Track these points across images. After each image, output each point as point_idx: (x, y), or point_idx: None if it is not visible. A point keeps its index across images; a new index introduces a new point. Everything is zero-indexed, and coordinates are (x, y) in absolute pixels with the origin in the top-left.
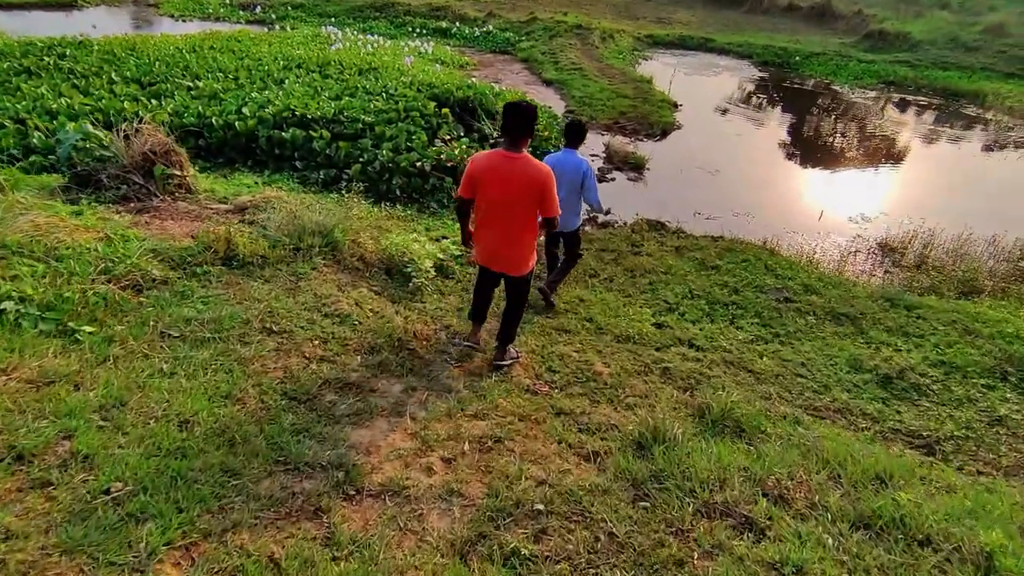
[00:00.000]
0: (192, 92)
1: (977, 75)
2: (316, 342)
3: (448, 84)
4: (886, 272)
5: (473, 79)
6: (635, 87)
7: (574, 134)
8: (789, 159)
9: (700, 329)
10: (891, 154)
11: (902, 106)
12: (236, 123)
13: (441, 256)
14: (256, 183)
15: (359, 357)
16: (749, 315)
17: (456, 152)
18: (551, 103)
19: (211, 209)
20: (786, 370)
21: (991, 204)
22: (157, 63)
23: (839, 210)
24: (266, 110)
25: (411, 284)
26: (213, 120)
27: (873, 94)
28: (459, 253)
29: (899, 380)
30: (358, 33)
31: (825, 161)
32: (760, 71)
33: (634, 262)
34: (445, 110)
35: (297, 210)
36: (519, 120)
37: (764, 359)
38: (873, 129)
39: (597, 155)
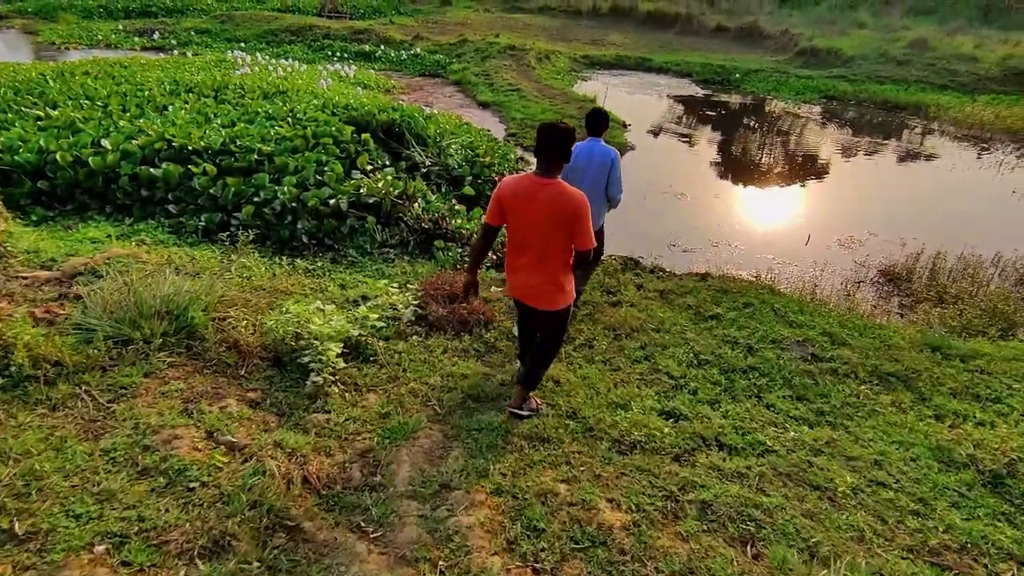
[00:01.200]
0: (40, 122)
1: (913, 88)
2: (101, 550)
3: (369, 107)
4: (902, 307)
5: (401, 102)
6: (579, 107)
7: (600, 120)
8: (754, 179)
9: (724, 415)
10: (858, 171)
11: (855, 123)
12: (91, 159)
13: (358, 332)
14: (109, 236)
15: (183, 572)
16: (777, 386)
17: (379, 185)
18: (489, 126)
19: (23, 280)
20: (861, 479)
21: (976, 219)
22: (3, 89)
23: (825, 233)
24: (133, 142)
25: (308, 383)
26: (59, 156)
27: (818, 109)
28: (382, 324)
29: (1012, 479)
30: (270, 58)
31: (792, 179)
32: (703, 88)
33: (615, 317)
34: (366, 135)
35: (136, 280)
36: (553, 142)
37: (825, 461)
38: (833, 145)
39: None
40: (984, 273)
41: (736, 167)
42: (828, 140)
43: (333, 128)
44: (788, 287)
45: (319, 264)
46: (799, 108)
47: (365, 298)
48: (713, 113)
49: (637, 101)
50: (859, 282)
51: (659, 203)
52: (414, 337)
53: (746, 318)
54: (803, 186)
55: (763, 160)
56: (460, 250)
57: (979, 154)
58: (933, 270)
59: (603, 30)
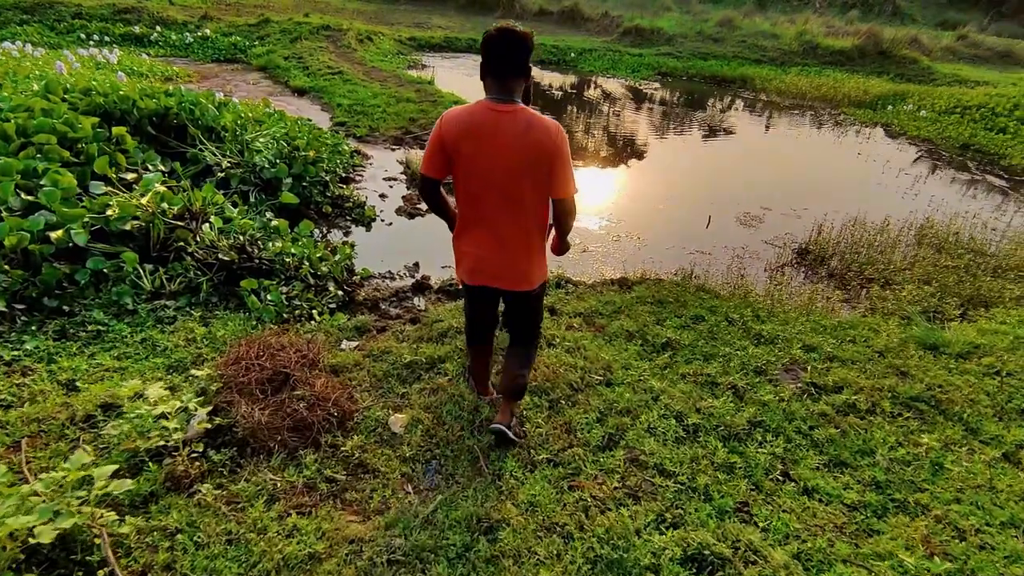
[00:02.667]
0: None
1: (733, 63)
2: None
3: (127, 91)
4: (832, 286)
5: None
6: (416, 89)
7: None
8: (619, 161)
9: (769, 533)
10: (715, 144)
11: (695, 97)
12: None
13: (70, 520)
14: None
15: None
16: (801, 450)
17: (144, 201)
18: (310, 115)
19: None
20: None
21: (845, 183)
22: None
23: (721, 213)
24: None
25: None
26: None
27: (656, 85)
28: (125, 490)
29: None
30: None
31: (659, 158)
32: (540, 68)
33: (540, 370)
34: (120, 130)
35: None
36: (508, 51)
37: None
38: (684, 120)
39: (395, 177)
40: (888, 239)
41: (595, 149)
42: (676, 115)
43: (59, 120)
44: (716, 282)
45: (30, 346)
46: (639, 84)
47: (111, 410)
48: (558, 93)
49: (476, 85)
50: (781, 266)
51: None
52: (205, 485)
53: (706, 339)
54: (671, 168)
55: (622, 139)
56: (284, 288)
57: (811, 120)
58: (842, 243)
59: (424, 15)
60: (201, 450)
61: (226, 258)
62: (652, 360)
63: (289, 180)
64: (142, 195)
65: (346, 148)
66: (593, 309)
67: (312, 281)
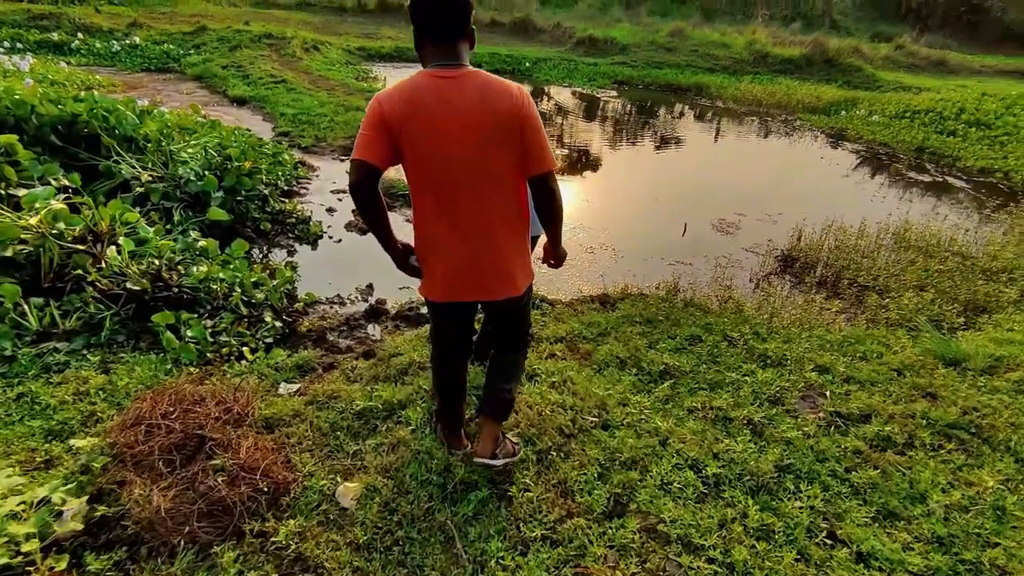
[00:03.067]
0: None
1: (687, 71)
2: None
3: (23, 96)
4: (828, 297)
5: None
6: (367, 97)
7: None
8: (589, 168)
9: None
10: (681, 150)
11: (654, 104)
12: None
13: None
14: None
15: None
16: (842, 499)
17: (32, 221)
18: (251, 125)
19: None
20: None
21: (816, 187)
22: None
23: (696, 220)
24: None
25: None
26: None
27: (614, 93)
28: None
29: None
30: None
31: (625, 165)
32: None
33: (523, 412)
34: (10, 138)
35: None
36: (446, 8)
37: None
38: (645, 127)
39: (344, 190)
40: (870, 243)
41: (572, 157)
42: (637, 123)
43: None
44: (704, 295)
45: None
46: (597, 93)
47: None
48: None
49: None
50: (767, 275)
51: None
52: None
53: (707, 364)
54: (640, 175)
55: (590, 148)
56: (210, 322)
57: (769, 126)
58: (825, 248)
59: (373, 25)
60: (69, 562)
61: (136, 288)
62: (651, 392)
63: (219, 194)
64: (28, 216)
65: (288, 159)
66: (576, 332)
67: (245, 311)
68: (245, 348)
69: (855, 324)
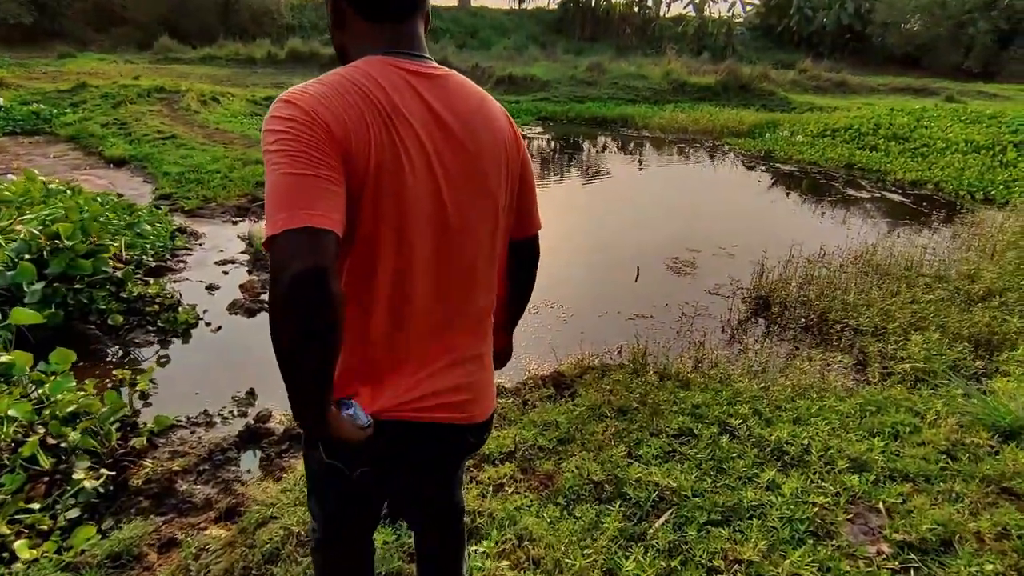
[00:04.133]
0: None
1: (610, 104)
2: None
3: None
4: (825, 351)
5: None
6: None
7: None
8: None
9: None
10: (607, 184)
11: (575, 139)
12: None
13: None
14: None
15: None
16: None
17: None
18: (126, 189)
19: None
20: None
21: (761, 215)
22: None
23: (647, 261)
24: None
25: None
26: None
27: (539, 129)
28: None
29: None
30: None
31: (558, 206)
32: None
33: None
34: None
35: None
36: None
37: None
38: (567, 162)
39: (233, 259)
40: (839, 274)
41: None
42: (563, 159)
43: None
44: (677, 358)
45: None
46: (521, 130)
47: None
48: None
49: None
50: (741, 323)
51: None
52: None
53: (712, 477)
54: (569, 209)
55: None
56: None
57: (698, 152)
58: (793, 284)
59: (284, 75)
60: None
61: None
62: (649, 545)
63: (38, 287)
64: None
65: (163, 227)
66: (529, 441)
67: (46, 465)
68: (21, 540)
69: (864, 382)
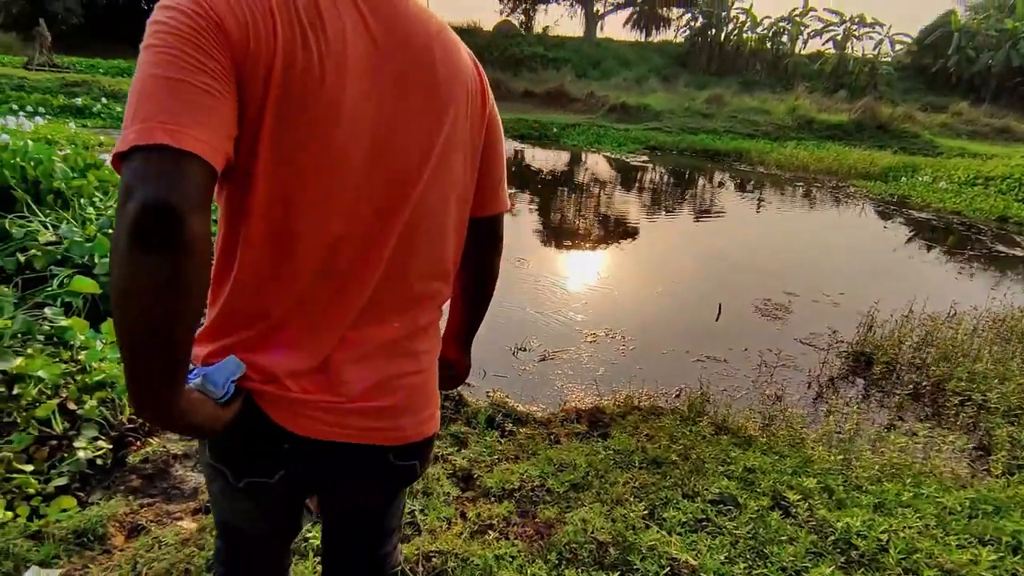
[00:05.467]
0: None
1: (725, 137)
2: None
3: None
4: (932, 425)
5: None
6: None
7: None
8: (605, 239)
9: None
10: (715, 219)
11: (685, 170)
12: None
13: None
14: None
15: None
16: None
17: None
18: None
19: None
20: None
21: (882, 264)
22: None
23: (734, 300)
24: None
25: None
26: None
27: (645, 158)
28: None
29: None
30: None
31: (651, 236)
32: (520, 143)
33: None
34: None
35: None
36: None
37: None
38: (677, 194)
39: None
40: (970, 340)
41: (581, 225)
42: (669, 191)
43: None
44: (742, 411)
45: None
46: (627, 158)
47: None
48: (538, 166)
49: None
50: (831, 379)
51: None
52: None
53: (747, 562)
54: (663, 241)
55: (608, 215)
56: None
57: (819, 193)
58: (907, 343)
59: None
60: None
61: None
62: None
63: (107, 261)
64: None
65: None
66: (536, 479)
67: (58, 429)
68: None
69: (984, 473)
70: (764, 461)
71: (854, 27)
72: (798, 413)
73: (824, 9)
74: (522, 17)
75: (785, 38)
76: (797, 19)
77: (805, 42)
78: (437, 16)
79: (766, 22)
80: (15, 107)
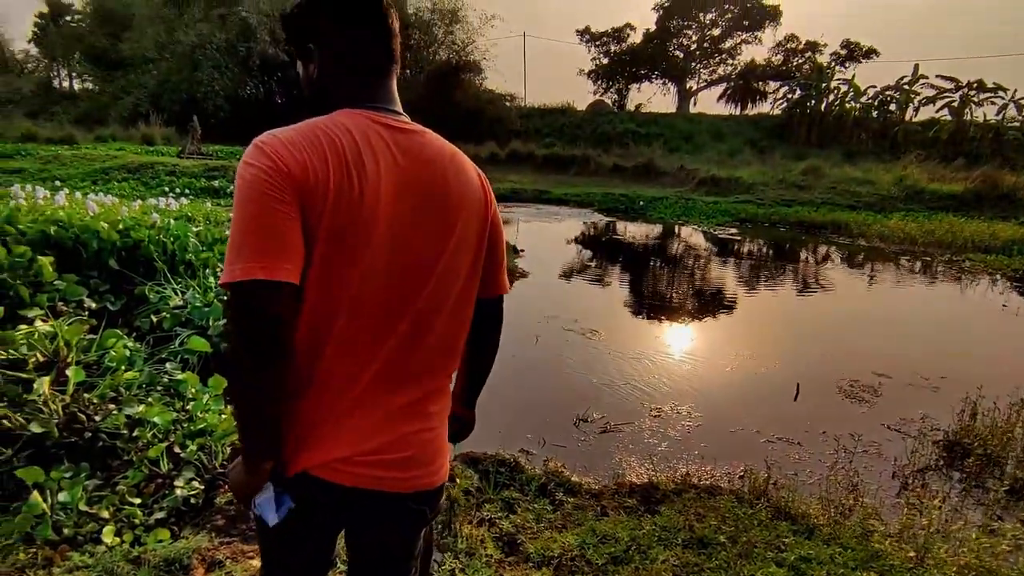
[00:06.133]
0: None
1: (822, 208)
2: None
3: (89, 223)
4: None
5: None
6: None
7: None
8: (683, 312)
9: None
10: (807, 295)
11: (779, 243)
12: None
13: None
14: None
15: None
16: None
17: (22, 344)
18: None
19: None
20: None
21: (990, 345)
22: None
23: (816, 379)
24: None
25: None
26: None
27: (734, 231)
28: None
29: None
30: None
31: (730, 310)
32: (606, 216)
33: None
34: (45, 260)
35: None
36: (382, 22)
37: None
38: (767, 267)
39: None
40: None
41: (658, 298)
42: (758, 263)
43: None
44: (809, 498)
45: None
46: (715, 231)
47: None
48: (621, 239)
49: (533, 228)
50: (920, 471)
51: (560, 344)
52: None
53: None
54: (745, 317)
55: (687, 288)
56: (94, 483)
57: (927, 268)
58: (1017, 436)
59: (501, 172)
60: None
61: (39, 429)
62: None
63: (222, 323)
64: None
65: None
66: (576, 548)
67: (164, 468)
68: (109, 527)
69: None
70: (822, 551)
71: (972, 92)
72: (873, 504)
73: (936, 76)
74: (615, 96)
75: (893, 106)
76: (906, 88)
77: (916, 109)
78: (450, 145)
79: (871, 91)
80: (167, 189)
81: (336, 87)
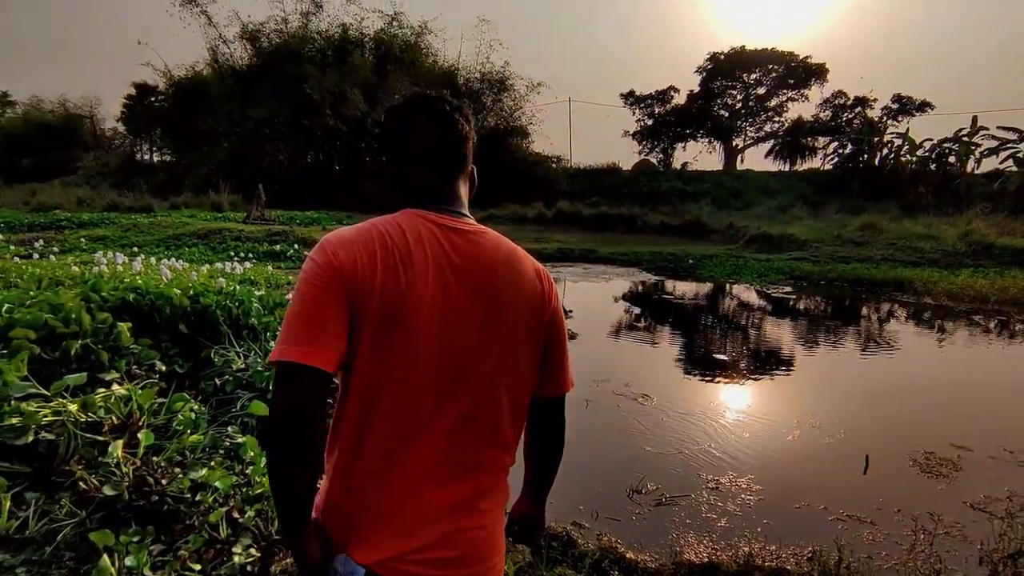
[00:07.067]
0: None
1: (882, 266)
2: None
3: (163, 289)
4: None
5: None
6: None
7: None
8: (739, 376)
9: None
10: (872, 359)
11: (837, 303)
12: None
13: None
14: None
15: None
16: None
17: (43, 412)
18: None
19: None
20: None
21: None
22: None
23: (887, 451)
24: None
25: None
26: None
27: (788, 289)
28: None
29: None
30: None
31: (789, 374)
32: (655, 275)
33: None
34: (123, 325)
35: None
36: (451, 129)
37: None
38: (826, 329)
39: None
40: None
41: (712, 359)
42: (815, 323)
43: (45, 314)
44: None
45: None
46: (768, 289)
47: None
48: (671, 298)
49: (581, 288)
50: (1010, 557)
51: (611, 409)
52: None
53: None
54: (806, 380)
55: (743, 349)
56: (158, 547)
57: (1004, 328)
58: None
59: (547, 232)
60: None
61: (111, 492)
62: None
63: None
64: (67, 401)
65: None
66: None
67: (223, 534)
68: None
69: None
70: None
71: None
72: None
73: (997, 127)
74: (660, 155)
75: (952, 159)
76: (966, 139)
77: (978, 161)
78: (508, 244)
79: (927, 144)
80: (232, 254)
81: (406, 189)
